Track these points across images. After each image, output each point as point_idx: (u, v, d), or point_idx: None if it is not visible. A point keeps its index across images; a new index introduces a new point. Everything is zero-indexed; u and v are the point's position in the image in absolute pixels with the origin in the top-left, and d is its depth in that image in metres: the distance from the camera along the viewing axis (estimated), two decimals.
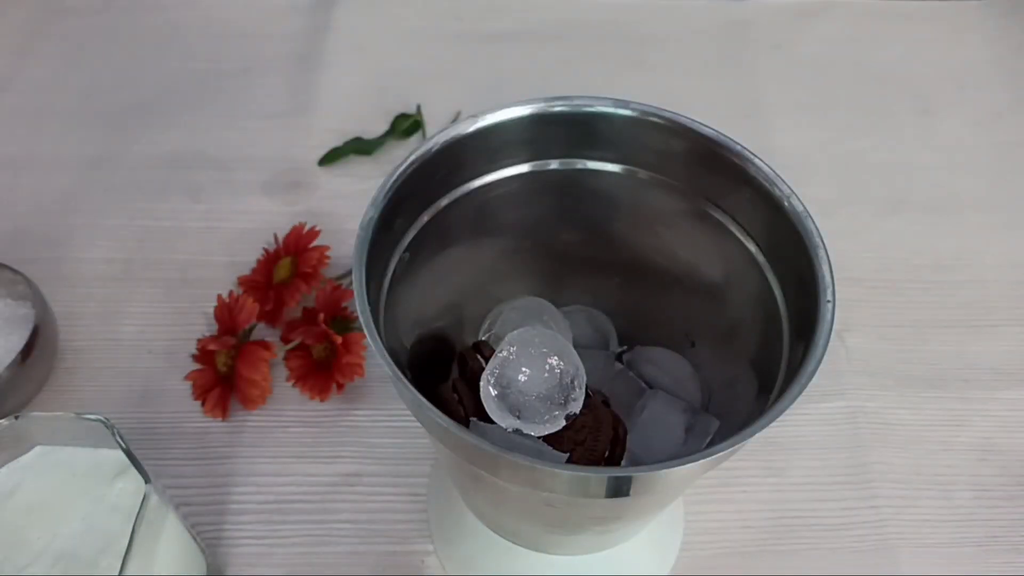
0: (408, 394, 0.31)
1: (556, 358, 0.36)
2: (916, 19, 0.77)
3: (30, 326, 0.50)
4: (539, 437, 0.37)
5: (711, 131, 0.38)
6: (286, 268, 0.55)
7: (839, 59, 0.74)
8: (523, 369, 0.36)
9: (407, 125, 0.67)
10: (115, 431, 0.39)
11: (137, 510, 0.37)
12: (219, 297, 0.55)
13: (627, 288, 0.45)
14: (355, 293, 0.33)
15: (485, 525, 0.44)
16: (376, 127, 0.67)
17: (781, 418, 0.30)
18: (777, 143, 0.67)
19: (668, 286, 0.43)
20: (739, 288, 0.40)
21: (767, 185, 0.37)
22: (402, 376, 0.31)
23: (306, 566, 0.48)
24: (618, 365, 0.45)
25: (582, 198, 0.42)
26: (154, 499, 0.37)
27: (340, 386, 0.52)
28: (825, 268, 0.34)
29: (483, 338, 0.43)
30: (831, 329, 0.33)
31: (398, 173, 0.36)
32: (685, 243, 0.42)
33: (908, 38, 0.76)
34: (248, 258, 0.59)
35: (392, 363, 0.32)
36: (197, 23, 0.75)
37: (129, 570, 0.35)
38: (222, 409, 0.52)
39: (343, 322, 0.54)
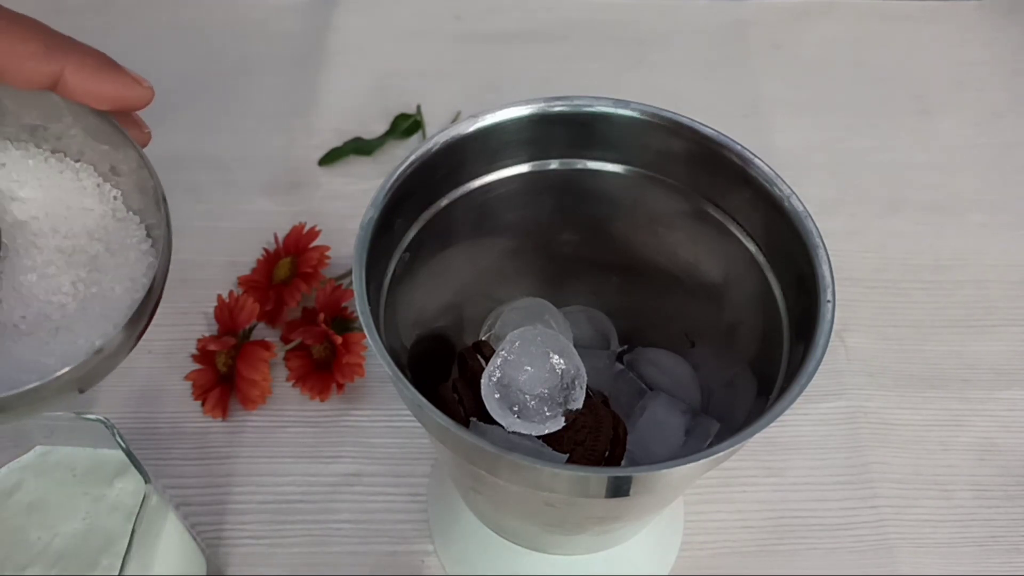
0: (408, 394, 0.31)
1: (558, 357, 0.36)
2: (916, 19, 0.77)
3: None
4: (539, 437, 0.37)
5: (711, 131, 0.38)
6: (286, 268, 0.55)
7: (839, 59, 0.74)
8: (525, 368, 0.36)
9: (407, 125, 0.66)
10: (115, 431, 0.39)
11: (137, 510, 0.36)
12: (219, 297, 0.55)
13: (627, 288, 0.45)
14: (355, 293, 0.33)
15: (485, 525, 0.44)
16: (376, 127, 0.67)
17: (781, 418, 0.31)
18: (777, 143, 0.67)
19: (668, 286, 0.43)
20: (739, 288, 0.40)
21: (767, 185, 0.37)
22: (402, 376, 0.31)
23: (306, 566, 0.48)
24: (618, 366, 0.45)
25: (582, 198, 0.42)
26: (154, 499, 0.37)
27: (340, 386, 0.52)
28: (825, 268, 0.34)
29: (483, 338, 0.43)
30: (831, 329, 0.33)
31: (398, 173, 0.36)
32: (685, 243, 0.42)
33: (908, 38, 0.76)
34: (248, 258, 0.58)
35: (392, 363, 0.32)
36: (197, 23, 0.75)
37: (129, 570, 0.35)
38: (222, 409, 0.52)
39: (343, 322, 0.54)
